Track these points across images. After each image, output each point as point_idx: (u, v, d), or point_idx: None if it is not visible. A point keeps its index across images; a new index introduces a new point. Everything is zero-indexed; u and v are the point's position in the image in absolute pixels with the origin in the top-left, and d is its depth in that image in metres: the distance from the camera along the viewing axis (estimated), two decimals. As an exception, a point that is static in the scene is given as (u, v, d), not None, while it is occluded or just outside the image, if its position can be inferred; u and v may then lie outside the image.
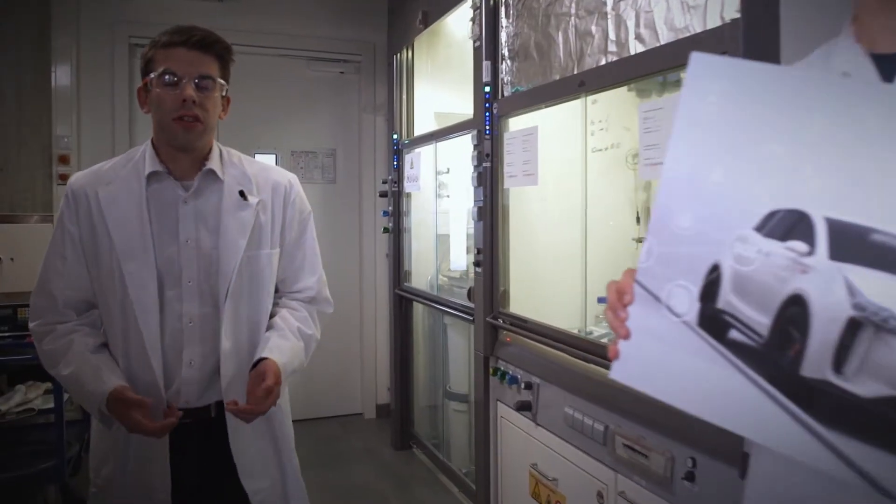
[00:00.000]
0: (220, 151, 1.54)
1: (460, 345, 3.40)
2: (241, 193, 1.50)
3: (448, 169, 3.56)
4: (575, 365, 2.13)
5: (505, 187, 2.61)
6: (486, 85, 2.66)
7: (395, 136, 3.84)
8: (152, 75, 1.41)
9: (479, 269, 2.72)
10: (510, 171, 2.53)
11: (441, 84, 3.81)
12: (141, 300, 1.40)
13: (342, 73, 4.48)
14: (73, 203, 1.45)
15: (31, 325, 1.48)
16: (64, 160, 3.72)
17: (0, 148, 3.55)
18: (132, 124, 3.95)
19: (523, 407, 2.38)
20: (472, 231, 2.88)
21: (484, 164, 2.66)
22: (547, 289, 2.65)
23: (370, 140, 4.48)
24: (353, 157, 4.52)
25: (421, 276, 3.84)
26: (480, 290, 2.71)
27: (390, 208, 3.85)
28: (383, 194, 3.86)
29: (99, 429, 1.49)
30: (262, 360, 1.43)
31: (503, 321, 2.59)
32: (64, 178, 3.73)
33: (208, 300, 1.47)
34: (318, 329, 1.64)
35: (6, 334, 2.90)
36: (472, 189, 2.77)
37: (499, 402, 2.63)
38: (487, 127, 2.65)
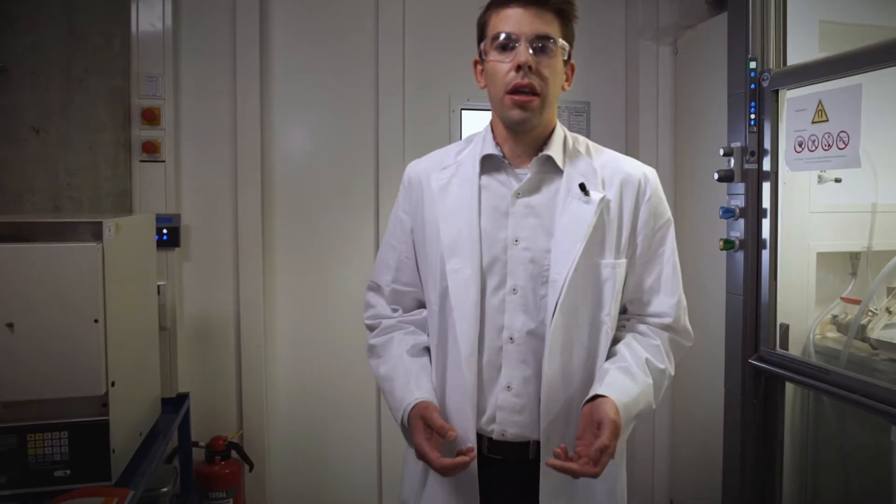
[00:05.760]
0: (565, 136, 1.32)
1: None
2: (582, 187, 1.25)
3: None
4: None
5: None
6: None
7: (751, 66, 1.98)
8: (486, 42, 1.25)
9: None
10: None
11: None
12: (461, 304, 1.24)
13: (599, -26, 2.72)
14: (407, 189, 1.37)
15: (363, 316, 1.42)
16: (150, 117, 2.10)
17: (37, 94, 1.93)
18: (265, 57, 2.32)
19: None
20: None
21: None
22: None
23: (651, 86, 2.70)
24: (618, 114, 2.75)
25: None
26: None
27: (736, 205, 2.00)
28: (725, 178, 2.01)
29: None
30: (597, 397, 1.16)
31: None
32: (150, 149, 2.11)
33: (534, 315, 1.24)
34: (673, 364, 1.31)
35: (6, 492, 1.29)
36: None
37: None
38: None
